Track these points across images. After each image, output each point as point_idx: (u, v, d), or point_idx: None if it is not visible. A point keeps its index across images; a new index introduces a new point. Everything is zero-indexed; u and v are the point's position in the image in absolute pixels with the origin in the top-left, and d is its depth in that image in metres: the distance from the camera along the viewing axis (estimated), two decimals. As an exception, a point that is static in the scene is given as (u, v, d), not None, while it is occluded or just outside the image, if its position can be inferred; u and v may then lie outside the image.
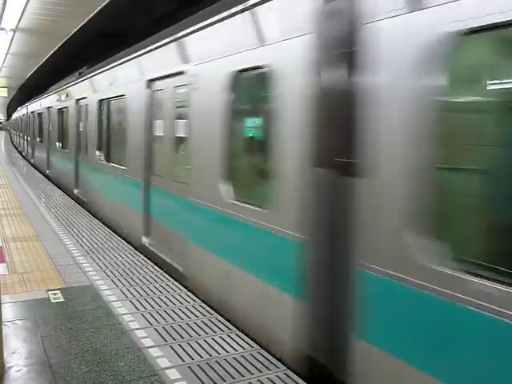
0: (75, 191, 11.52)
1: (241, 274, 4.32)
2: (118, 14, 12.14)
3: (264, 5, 3.99)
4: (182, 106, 5.67)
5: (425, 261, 2.56)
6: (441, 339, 2.50)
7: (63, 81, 14.52)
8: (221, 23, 4.65)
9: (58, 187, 13.24)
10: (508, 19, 2.19)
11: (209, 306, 4.65)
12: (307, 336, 3.46)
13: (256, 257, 4.12)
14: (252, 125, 4.68)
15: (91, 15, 11.75)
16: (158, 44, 6.28)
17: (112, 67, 8.55)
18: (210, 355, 3.61)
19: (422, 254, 2.58)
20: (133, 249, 6.61)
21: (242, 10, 4.25)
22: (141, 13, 12.36)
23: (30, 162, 21.79)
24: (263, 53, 3.97)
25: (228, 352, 3.67)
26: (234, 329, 4.10)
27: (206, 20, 4.90)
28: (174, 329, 4.05)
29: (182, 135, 5.69)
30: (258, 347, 3.77)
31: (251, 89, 4.62)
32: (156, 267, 5.79)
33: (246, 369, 3.42)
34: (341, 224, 3.17)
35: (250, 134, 4.72)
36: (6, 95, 31.56)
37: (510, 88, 2.54)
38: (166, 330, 4.02)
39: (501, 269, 2.29)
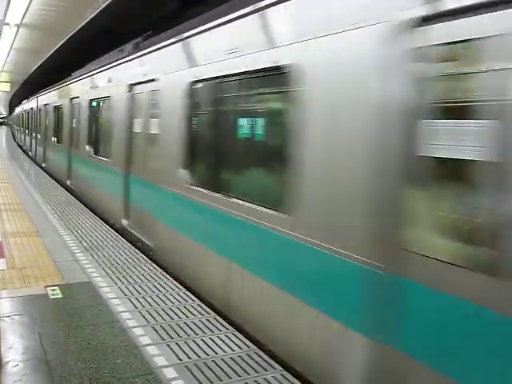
0: (43, 164, 17.80)
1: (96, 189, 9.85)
2: (122, 12, 12.15)
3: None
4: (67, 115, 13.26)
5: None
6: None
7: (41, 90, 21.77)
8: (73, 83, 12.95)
9: (29, 157, 22.20)
10: None
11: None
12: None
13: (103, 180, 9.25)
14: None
15: (96, 12, 11.76)
16: (61, 85, 14.75)
17: (53, 90, 16.35)
18: (208, 354, 3.61)
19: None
20: (132, 247, 6.64)
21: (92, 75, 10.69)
22: (145, 11, 12.37)
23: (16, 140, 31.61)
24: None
25: (225, 352, 3.67)
26: (232, 328, 4.10)
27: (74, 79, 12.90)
28: (171, 327, 4.05)
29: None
30: (255, 348, 3.78)
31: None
32: (155, 266, 5.81)
33: (243, 369, 3.43)
34: None
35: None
36: (8, 90, 31.54)
37: None
38: (163, 328, 4.02)
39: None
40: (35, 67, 23.97)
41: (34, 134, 22.06)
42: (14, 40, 16.84)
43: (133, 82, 7.42)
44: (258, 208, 4.05)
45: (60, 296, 4.62)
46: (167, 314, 4.32)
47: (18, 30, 15.07)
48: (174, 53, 5.89)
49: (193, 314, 4.37)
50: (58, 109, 14.93)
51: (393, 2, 2.74)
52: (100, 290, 4.83)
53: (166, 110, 6.03)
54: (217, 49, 4.79)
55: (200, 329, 4.05)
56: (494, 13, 2.25)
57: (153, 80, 6.49)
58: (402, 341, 2.69)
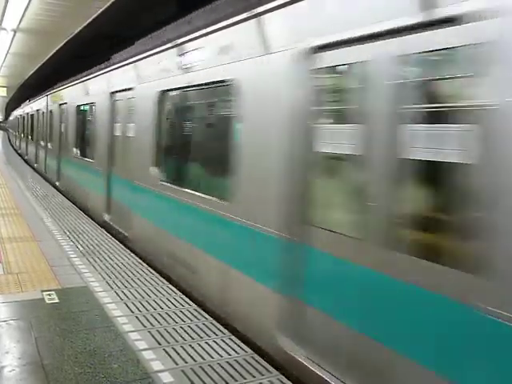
0: (35, 165, 20.13)
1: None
2: (118, 17, 12.19)
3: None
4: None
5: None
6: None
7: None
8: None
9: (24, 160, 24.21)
10: None
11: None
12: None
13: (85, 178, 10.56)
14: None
15: (92, 17, 11.80)
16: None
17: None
18: (204, 359, 3.62)
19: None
20: (128, 251, 6.65)
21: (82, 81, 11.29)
22: (141, 15, 12.42)
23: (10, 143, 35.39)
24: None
25: (222, 356, 3.68)
26: (229, 333, 4.11)
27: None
28: (168, 332, 4.05)
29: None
30: (252, 352, 3.78)
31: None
32: (152, 270, 5.81)
33: (239, 373, 3.43)
34: None
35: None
36: (4, 94, 31.54)
37: None
38: (160, 332, 4.03)
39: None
40: (32, 72, 23.97)
41: (29, 138, 23.23)
42: (10, 45, 16.85)
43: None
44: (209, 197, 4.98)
45: (56, 301, 4.61)
46: (163, 319, 4.32)
47: (14, 35, 15.09)
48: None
49: (189, 318, 4.38)
50: (51, 112, 15.84)
51: (296, 35, 3.64)
52: (96, 295, 4.83)
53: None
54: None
55: (196, 333, 4.06)
56: (361, 45, 3.04)
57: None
58: (304, 293, 3.51)
